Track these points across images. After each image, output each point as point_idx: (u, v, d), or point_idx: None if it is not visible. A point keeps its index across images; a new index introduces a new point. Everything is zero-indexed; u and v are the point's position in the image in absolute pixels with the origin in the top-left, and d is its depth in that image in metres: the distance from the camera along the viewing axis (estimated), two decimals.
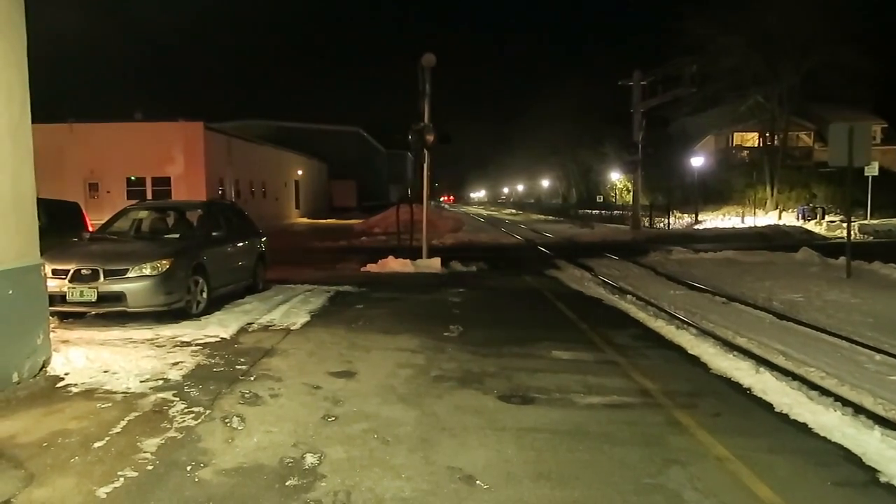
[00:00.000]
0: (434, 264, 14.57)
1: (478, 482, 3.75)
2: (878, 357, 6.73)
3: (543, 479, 3.81)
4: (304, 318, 8.60)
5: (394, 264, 14.47)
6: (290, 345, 7.14)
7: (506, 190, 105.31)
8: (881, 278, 12.39)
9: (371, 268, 14.50)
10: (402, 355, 6.71)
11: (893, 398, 5.33)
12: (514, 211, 74.53)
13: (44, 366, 5.87)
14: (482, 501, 3.55)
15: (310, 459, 4.03)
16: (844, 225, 14.46)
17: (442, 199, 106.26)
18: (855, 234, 22.98)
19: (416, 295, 10.97)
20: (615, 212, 41.02)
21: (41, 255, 6.07)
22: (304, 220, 44.66)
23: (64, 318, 8.09)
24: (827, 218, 31.89)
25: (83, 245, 9.03)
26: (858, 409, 4.99)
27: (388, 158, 72.42)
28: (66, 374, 5.81)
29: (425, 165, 15.24)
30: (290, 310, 9.18)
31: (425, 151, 14.89)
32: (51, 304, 6.48)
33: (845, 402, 5.15)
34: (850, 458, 4.15)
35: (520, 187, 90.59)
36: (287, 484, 3.70)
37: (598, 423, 4.77)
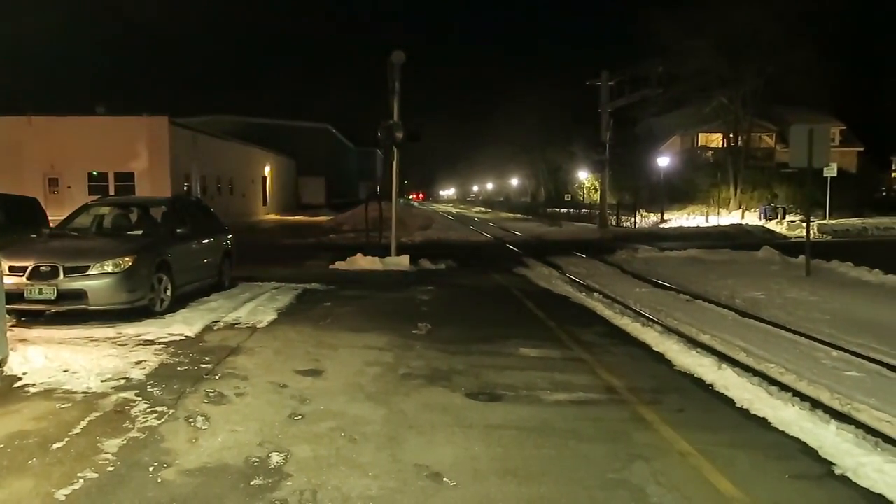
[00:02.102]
0: (403, 262, 14.54)
1: (445, 479, 3.76)
2: (835, 353, 6.92)
3: (510, 475, 3.84)
4: (271, 316, 8.51)
5: (362, 262, 14.40)
6: (256, 343, 7.06)
7: (475, 188, 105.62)
8: (839, 276, 12.74)
9: (339, 265, 14.41)
10: (370, 353, 6.69)
11: (849, 393, 5.48)
12: (483, 209, 74.80)
13: (0, 365, 5.71)
14: (449, 499, 3.56)
15: (276, 458, 4.00)
16: (804, 224, 14.83)
17: (411, 196, 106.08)
18: (814, 233, 23.58)
19: (385, 293, 10.94)
20: (583, 210, 41.48)
21: None
22: (272, 216, 44.18)
23: (21, 316, 7.88)
24: (788, 217, 32.66)
25: (42, 241, 8.82)
26: (816, 404, 5.12)
27: (358, 155, 72.06)
28: (24, 373, 5.66)
29: (395, 163, 15.20)
30: (256, 308, 9.08)
31: (395, 149, 14.85)
32: (8, 302, 6.30)
33: (803, 398, 5.29)
34: (808, 452, 4.27)
35: (489, 185, 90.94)
36: (252, 483, 3.67)
37: (565, 419, 4.82)
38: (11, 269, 7.41)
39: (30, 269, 7.63)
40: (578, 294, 11.11)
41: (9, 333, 6.08)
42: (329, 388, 5.47)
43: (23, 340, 6.71)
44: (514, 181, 72.69)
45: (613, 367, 6.33)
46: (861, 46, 36.04)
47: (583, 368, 6.29)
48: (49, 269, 7.67)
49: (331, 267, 14.40)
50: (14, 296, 7.23)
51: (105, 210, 10.03)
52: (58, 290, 7.61)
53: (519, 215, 52.56)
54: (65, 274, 7.67)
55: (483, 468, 3.92)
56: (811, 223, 14.35)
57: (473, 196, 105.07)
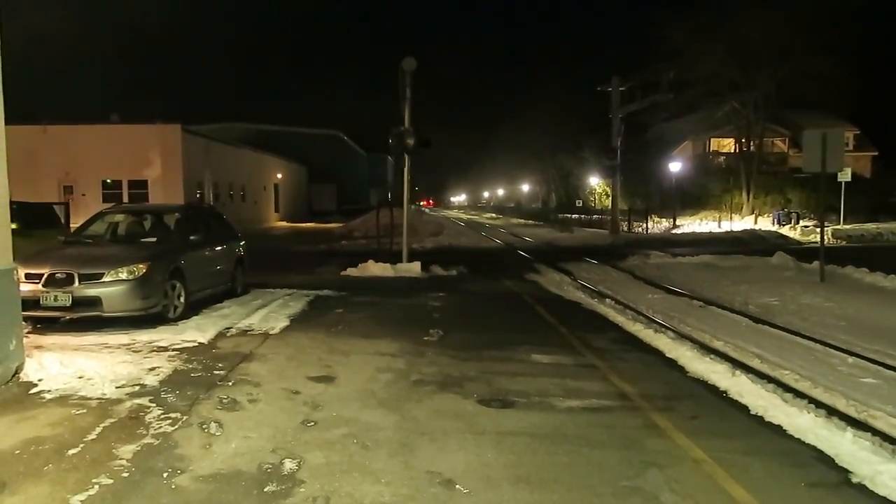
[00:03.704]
0: (414, 268, 14.56)
1: (457, 486, 3.76)
2: (850, 360, 6.85)
3: (523, 482, 3.83)
4: (284, 323, 8.54)
5: (374, 268, 14.43)
6: (268, 349, 7.09)
7: (486, 194, 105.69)
8: (854, 282, 12.62)
9: (351, 272, 14.45)
10: (382, 360, 6.70)
11: (865, 400, 5.43)
12: (494, 215, 74.70)
13: (17, 372, 5.76)
14: None
15: (289, 465, 4.01)
16: (818, 230, 14.72)
17: (422, 202, 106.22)
18: (828, 238, 23.38)
19: (397, 299, 10.96)
20: (594, 216, 41.35)
21: (14, 258, 5.97)
22: (284, 223, 44.39)
23: (37, 323, 7.96)
24: (801, 223, 32.41)
25: (58, 249, 8.89)
26: (832, 412, 5.07)
27: (369, 162, 72.26)
28: (40, 380, 5.72)
29: (406, 169, 15.23)
30: (269, 314, 9.12)
31: (406, 155, 14.88)
32: (24, 309, 6.35)
33: (819, 405, 5.24)
34: (824, 460, 4.23)
35: (500, 191, 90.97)
36: (266, 490, 3.68)
37: (577, 426, 4.80)
38: (28, 276, 7.48)
39: (45, 276, 7.71)
40: (590, 300, 11.07)
41: (25, 340, 6.15)
42: (341, 395, 5.48)
43: (38, 347, 6.78)
44: (525, 187, 72.66)
45: (626, 373, 6.30)
46: (875, 50, 35.78)
47: (595, 375, 6.26)
48: (64, 276, 7.74)
49: (342, 273, 14.45)
50: (30, 303, 7.29)
51: (119, 218, 10.12)
52: (73, 296, 7.68)
53: (530, 221, 52.45)
54: (80, 281, 7.74)
55: (495, 475, 3.91)
56: (825, 228, 14.24)
57: (484, 202, 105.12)
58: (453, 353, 7.01)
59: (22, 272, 6.89)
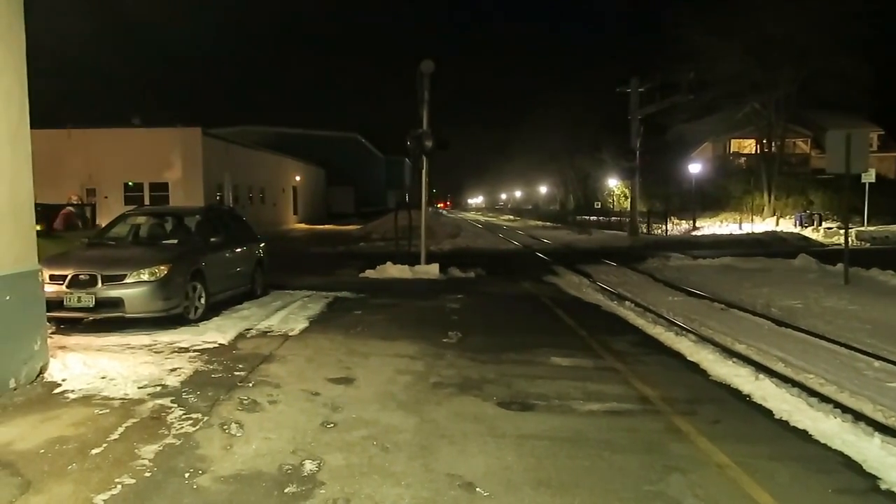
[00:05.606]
0: (432, 270, 14.56)
1: (478, 489, 3.74)
2: (876, 364, 6.73)
3: (543, 486, 3.80)
4: (303, 324, 8.57)
5: (392, 270, 14.45)
6: (288, 351, 7.12)
7: (503, 196, 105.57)
8: (879, 285, 12.41)
9: (369, 274, 14.48)
10: (401, 361, 6.70)
11: (893, 405, 5.33)
12: (511, 217, 74.52)
13: (41, 372, 5.84)
14: None
15: (309, 466, 4.02)
16: (842, 231, 14.50)
17: (439, 204, 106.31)
18: (852, 240, 23.00)
19: (415, 301, 10.95)
20: (613, 218, 41.11)
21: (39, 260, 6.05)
22: (303, 225, 44.64)
23: (61, 323, 8.06)
24: (824, 224, 31.96)
25: (81, 251, 9.01)
26: (858, 416, 4.98)
27: (386, 164, 72.53)
28: (64, 380, 5.79)
29: (424, 171, 15.24)
30: (288, 316, 9.16)
31: (424, 157, 14.88)
32: (48, 310, 6.43)
33: (845, 409, 5.15)
34: (851, 466, 4.15)
35: (518, 193, 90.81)
36: (286, 491, 3.68)
37: (598, 429, 4.76)
38: (52, 277, 7.59)
39: (69, 277, 7.81)
40: (609, 302, 10.99)
41: (49, 341, 6.23)
42: (361, 397, 5.48)
43: (62, 347, 6.87)
44: (543, 189, 72.47)
45: (647, 376, 6.24)
46: None
47: (615, 378, 6.21)
48: (87, 277, 7.84)
49: (361, 275, 14.48)
50: (54, 304, 7.40)
51: (141, 220, 10.24)
52: (96, 298, 7.78)
53: (548, 223, 52.25)
54: (103, 282, 7.83)
55: (516, 478, 3.89)
56: (849, 230, 14.02)
57: (502, 204, 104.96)
58: (472, 355, 6.99)
59: (46, 274, 6.99)
